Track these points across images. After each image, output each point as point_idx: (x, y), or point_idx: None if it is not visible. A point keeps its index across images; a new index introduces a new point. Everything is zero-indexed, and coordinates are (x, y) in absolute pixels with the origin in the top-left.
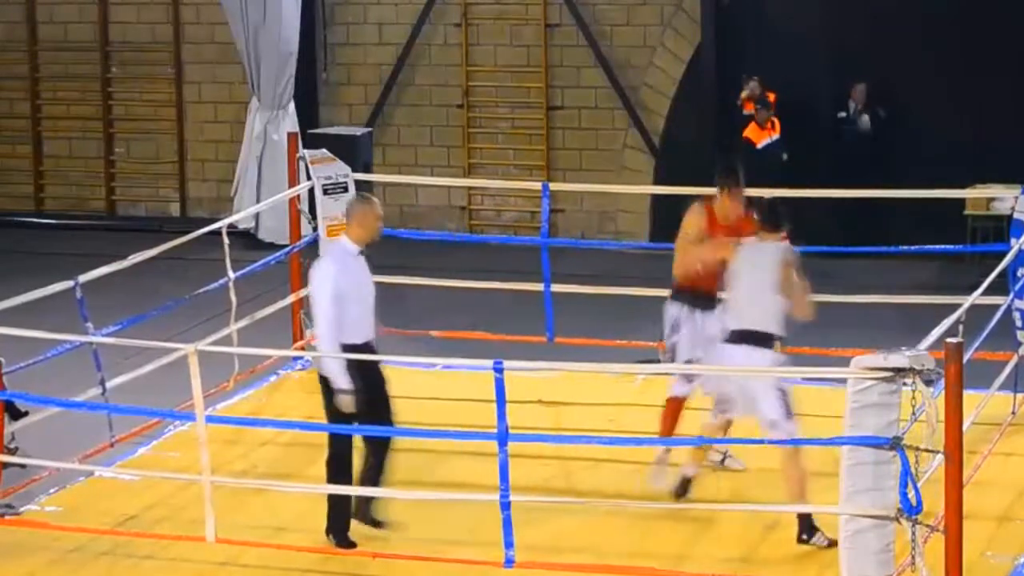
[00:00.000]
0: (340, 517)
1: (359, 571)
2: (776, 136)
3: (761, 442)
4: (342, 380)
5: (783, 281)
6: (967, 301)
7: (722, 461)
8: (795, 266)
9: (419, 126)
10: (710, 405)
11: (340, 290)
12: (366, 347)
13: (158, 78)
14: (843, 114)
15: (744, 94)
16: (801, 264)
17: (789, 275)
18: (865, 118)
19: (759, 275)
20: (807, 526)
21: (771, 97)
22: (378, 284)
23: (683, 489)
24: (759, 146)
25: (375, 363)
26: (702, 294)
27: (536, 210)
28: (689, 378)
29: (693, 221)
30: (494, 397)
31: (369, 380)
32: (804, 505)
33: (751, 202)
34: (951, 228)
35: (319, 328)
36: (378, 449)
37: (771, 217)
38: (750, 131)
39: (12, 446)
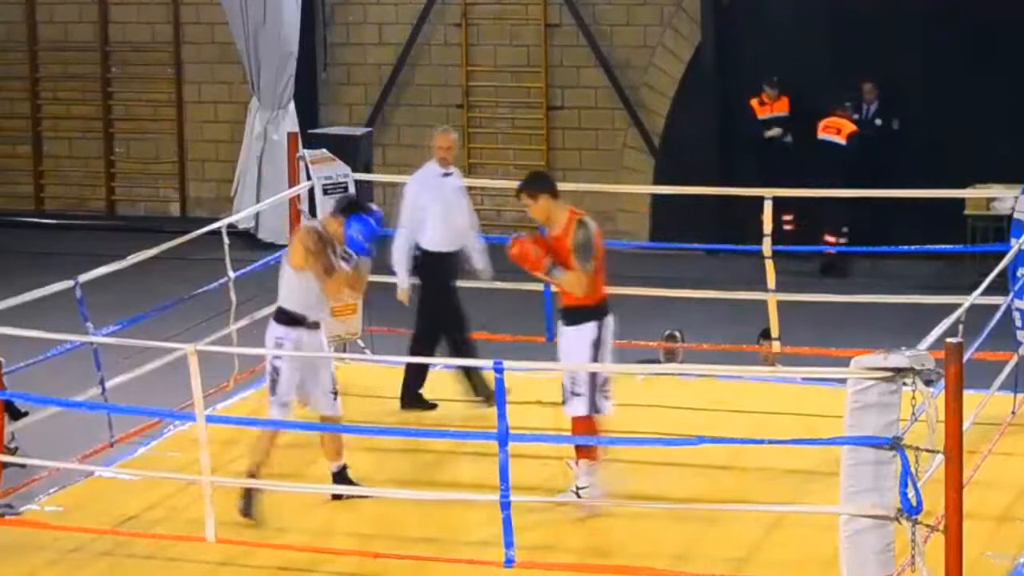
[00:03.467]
0: (411, 387)
1: (359, 571)
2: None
3: (760, 442)
4: (400, 276)
5: (292, 260)
6: (967, 301)
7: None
8: (308, 248)
9: (419, 126)
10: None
11: (416, 201)
12: (442, 256)
13: (158, 78)
14: (856, 116)
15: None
16: (315, 245)
17: (301, 258)
18: (878, 122)
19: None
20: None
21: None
22: (378, 284)
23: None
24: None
25: (447, 272)
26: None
27: None
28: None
29: None
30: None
31: (440, 284)
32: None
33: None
34: (951, 228)
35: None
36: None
37: (339, 204)
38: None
39: (12, 446)
